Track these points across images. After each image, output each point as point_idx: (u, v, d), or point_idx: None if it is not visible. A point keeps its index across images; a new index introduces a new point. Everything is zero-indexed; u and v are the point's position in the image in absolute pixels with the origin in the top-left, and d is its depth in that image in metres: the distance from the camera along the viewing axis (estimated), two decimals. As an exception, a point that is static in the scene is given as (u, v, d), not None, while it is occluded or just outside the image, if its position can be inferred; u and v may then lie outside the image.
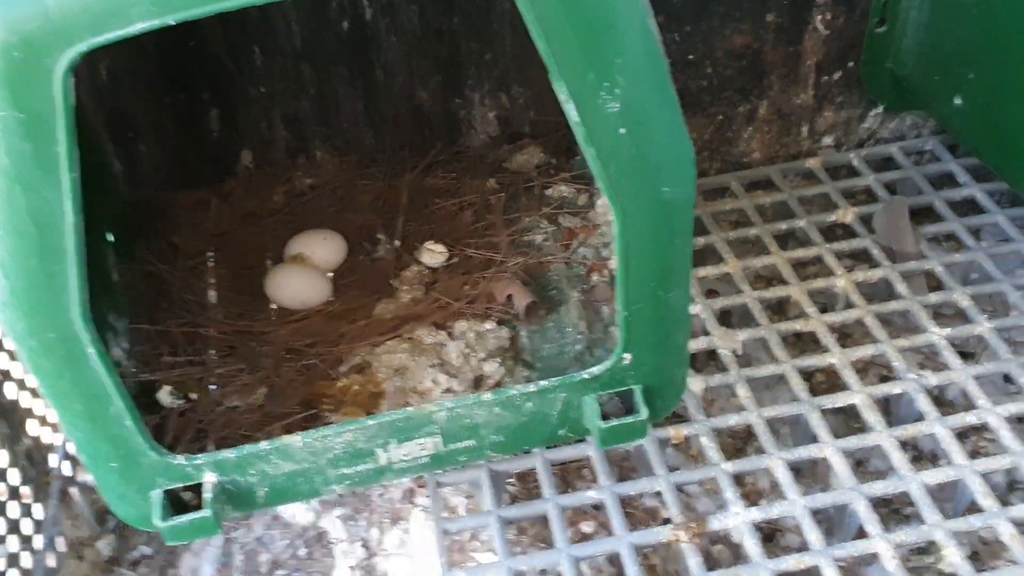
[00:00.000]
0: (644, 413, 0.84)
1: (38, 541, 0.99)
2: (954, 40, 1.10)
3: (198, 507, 0.81)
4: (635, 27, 0.68)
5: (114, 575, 1.05)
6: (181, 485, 0.81)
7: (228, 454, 0.81)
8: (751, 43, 1.18)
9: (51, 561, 1.00)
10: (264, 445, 0.81)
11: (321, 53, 1.12)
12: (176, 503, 0.82)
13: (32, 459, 1.01)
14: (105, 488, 0.81)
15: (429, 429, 0.83)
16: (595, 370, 0.83)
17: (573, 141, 0.72)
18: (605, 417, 0.84)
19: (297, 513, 1.09)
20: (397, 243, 1.08)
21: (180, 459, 0.80)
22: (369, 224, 1.11)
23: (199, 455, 0.81)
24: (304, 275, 1.05)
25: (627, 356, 0.82)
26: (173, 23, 0.59)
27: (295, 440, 0.82)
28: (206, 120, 1.15)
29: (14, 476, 0.98)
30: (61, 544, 1.03)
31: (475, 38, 1.13)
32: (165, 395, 0.94)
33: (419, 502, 1.08)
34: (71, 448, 1.05)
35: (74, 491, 1.05)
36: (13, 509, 0.97)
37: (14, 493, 0.98)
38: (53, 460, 1.04)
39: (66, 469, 1.05)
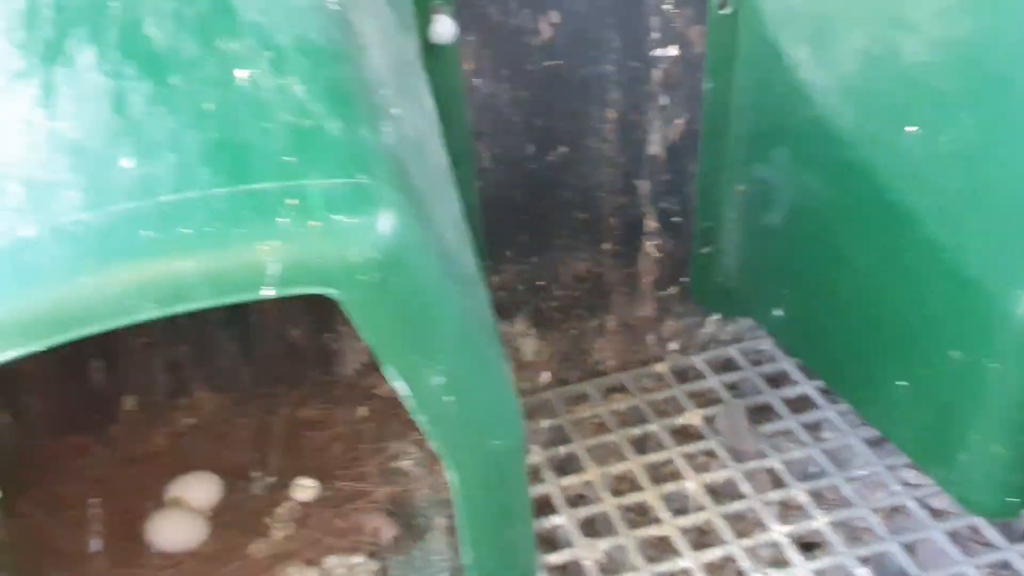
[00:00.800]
0: (497, 643, 0.90)
1: None
2: (768, 261, 1.24)
3: None
4: (452, 313, 0.77)
5: None
6: None
7: None
8: (592, 268, 1.31)
9: None
10: None
11: (196, 303, 1.20)
12: None
13: None
14: None
15: None
16: (449, 606, 0.90)
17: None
18: (461, 649, 0.90)
19: None
20: (271, 480, 1.14)
21: None
22: (245, 461, 1.17)
23: None
24: (181, 519, 1.10)
25: (477, 590, 0.89)
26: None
27: None
28: (89, 370, 1.22)
29: None
30: None
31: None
32: (43, 654, 0.97)
33: None
34: None
35: None
36: None
37: None
38: None
39: None
